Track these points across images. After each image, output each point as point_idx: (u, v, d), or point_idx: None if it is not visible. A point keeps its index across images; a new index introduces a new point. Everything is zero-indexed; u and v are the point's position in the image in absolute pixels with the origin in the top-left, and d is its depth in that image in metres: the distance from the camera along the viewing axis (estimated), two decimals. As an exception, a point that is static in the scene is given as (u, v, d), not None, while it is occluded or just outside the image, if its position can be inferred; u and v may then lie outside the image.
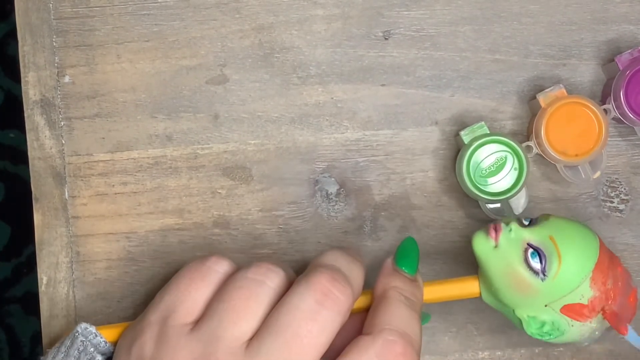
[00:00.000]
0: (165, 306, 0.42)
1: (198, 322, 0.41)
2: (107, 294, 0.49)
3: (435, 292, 0.45)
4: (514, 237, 0.44)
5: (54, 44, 0.49)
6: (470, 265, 0.49)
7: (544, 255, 0.43)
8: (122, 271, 0.49)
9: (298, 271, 0.49)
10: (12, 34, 1.16)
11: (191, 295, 0.42)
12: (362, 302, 0.44)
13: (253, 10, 0.49)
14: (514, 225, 0.44)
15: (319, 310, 0.40)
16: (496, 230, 0.44)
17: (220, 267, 0.43)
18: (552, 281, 0.43)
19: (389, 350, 0.40)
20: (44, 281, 0.49)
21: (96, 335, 0.45)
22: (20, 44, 0.49)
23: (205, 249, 0.49)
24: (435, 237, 0.49)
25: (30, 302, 1.15)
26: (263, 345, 0.39)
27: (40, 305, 0.49)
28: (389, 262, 0.45)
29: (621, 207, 0.49)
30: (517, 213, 0.48)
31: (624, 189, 0.49)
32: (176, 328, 0.41)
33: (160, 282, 0.49)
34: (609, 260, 0.44)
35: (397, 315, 0.42)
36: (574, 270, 0.43)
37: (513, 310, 0.44)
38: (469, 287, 0.45)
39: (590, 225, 0.49)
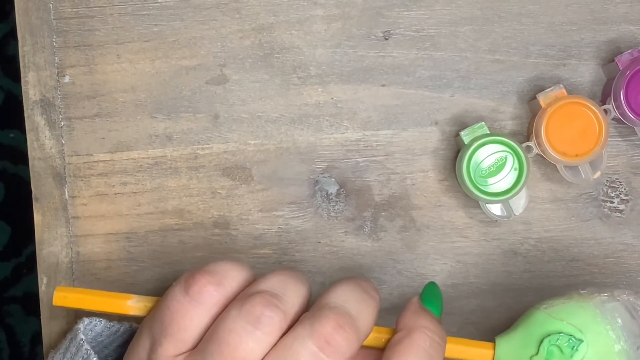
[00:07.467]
0: (152, 336, 0.40)
1: (188, 356, 0.39)
2: (107, 294, 0.49)
3: (447, 350, 0.43)
4: None
5: (54, 44, 0.49)
6: (471, 266, 0.49)
7: None
8: (122, 271, 0.49)
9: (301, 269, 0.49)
10: (12, 34, 1.16)
11: (179, 325, 0.39)
12: (375, 339, 0.42)
13: (253, 10, 0.49)
14: None
15: (320, 358, 0.38)
16: None
17: (205, 298, 0.40)
18: None
19: None
20: (44, 281, 0.49)
21: (99, 322, 0.44)
22: (20, 44, 0.49)
23: (205, 249, 0.49)
24: (435, 237, 0.49)
25: (30, 302, 1.15)
26: None
27: (41, 305, 0.49)
28: (416, 300, 0.43)
29: (621, 207, 0.49)
30: (517, 213, 0.48)
31: (624, 189, 0.49)
32: None
33: (160, 282, 0.49)
34: None
35: None
36: None
37: None
38: (482, 356, 0.43)
39: (590, 225, 0.49)
